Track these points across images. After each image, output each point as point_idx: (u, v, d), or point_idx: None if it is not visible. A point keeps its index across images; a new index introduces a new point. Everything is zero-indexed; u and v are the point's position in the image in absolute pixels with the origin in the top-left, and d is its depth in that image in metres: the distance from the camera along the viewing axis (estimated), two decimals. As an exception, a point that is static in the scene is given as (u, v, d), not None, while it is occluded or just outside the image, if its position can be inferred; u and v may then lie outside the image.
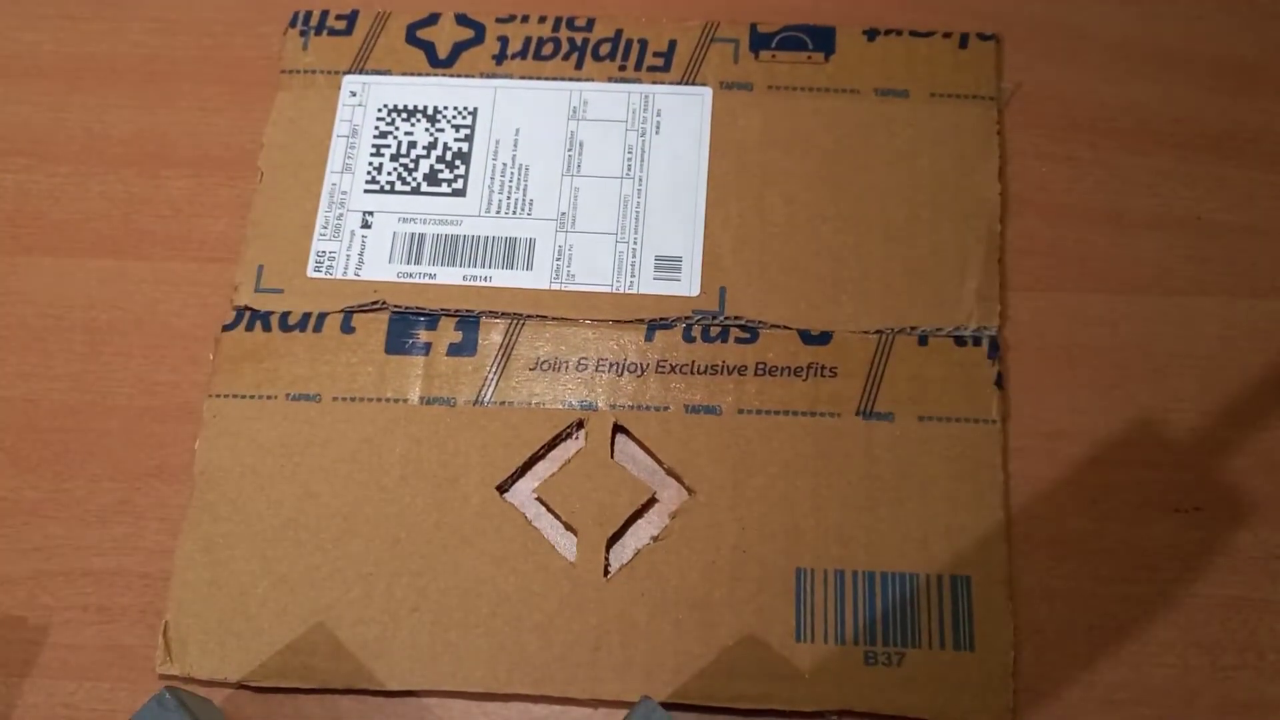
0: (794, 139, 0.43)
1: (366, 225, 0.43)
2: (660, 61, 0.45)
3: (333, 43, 0.46)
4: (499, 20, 0.46)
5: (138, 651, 0.38)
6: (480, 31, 0.45)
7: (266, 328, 0.42)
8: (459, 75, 0.45)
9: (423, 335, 0.41)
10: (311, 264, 0.42)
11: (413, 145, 0.44)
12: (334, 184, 0.44)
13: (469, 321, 0.41)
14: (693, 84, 0.45)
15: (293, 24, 0.46)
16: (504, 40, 0.45)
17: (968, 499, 0.38)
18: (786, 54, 0.45)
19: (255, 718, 0.37)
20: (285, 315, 0.42)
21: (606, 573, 0.38)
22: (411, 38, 0.45)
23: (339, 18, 0.46)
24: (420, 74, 0.45)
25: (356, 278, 0.42)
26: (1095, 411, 0.40)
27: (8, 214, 0.44)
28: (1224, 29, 0.46)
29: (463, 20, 0.46)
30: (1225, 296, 0.41)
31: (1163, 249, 0.42)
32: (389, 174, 0.44)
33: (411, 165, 0.44)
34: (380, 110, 0.45)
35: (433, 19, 0.46)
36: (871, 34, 0.45)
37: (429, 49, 0.45)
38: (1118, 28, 0.45)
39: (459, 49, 0.45)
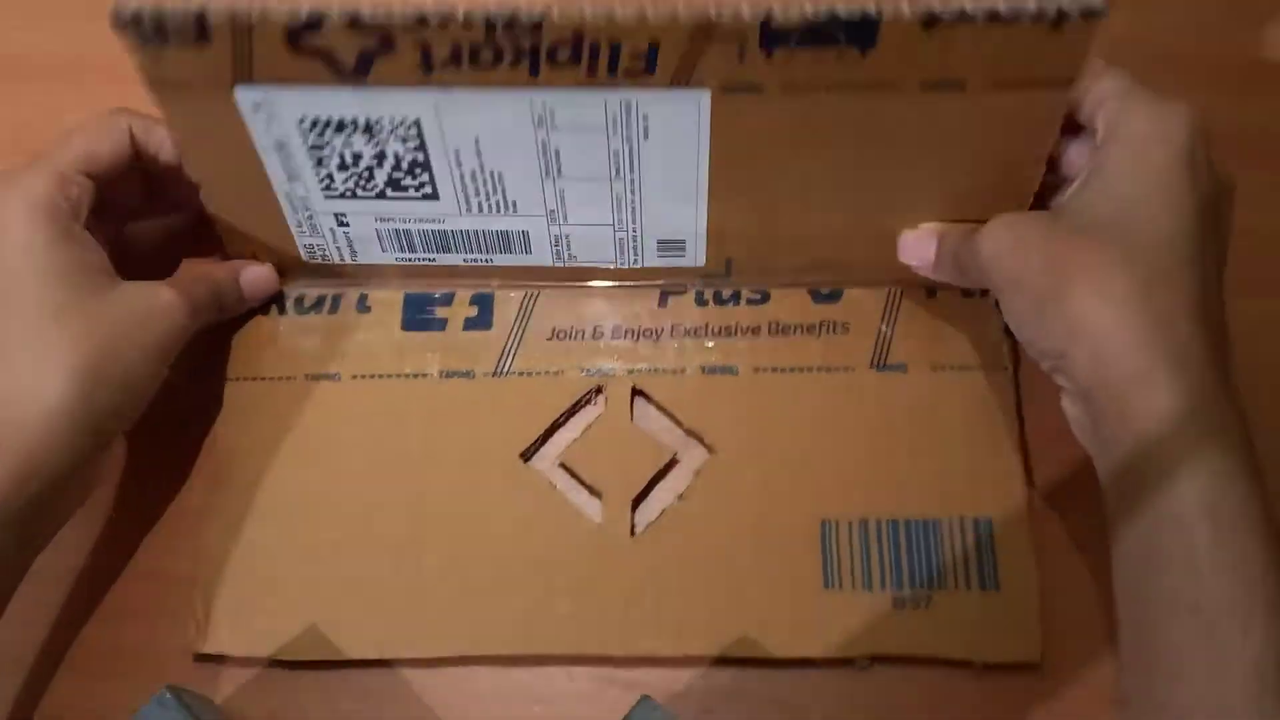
0: (815, 142, 0.36)
1: (343, 224, 0.40)
2: (640, 64, 0.33)
3: (191, 52, 0.33)
4: (405, 27, 0.32)
5: (139, 650, 0.38)
6: (387, 39, 0.32)
7: (281, 309, 0.42)
8: (380, 87, 0.34)
9: (439, 311, 0.42)
10: (304, 254, 0.41)
11: (358, 158, 0.37)
12: (287, 192, 0.38)
13: (484, 296, 0.42)
14: (685, 87, 0.34)
15: (118, 23, 0.33)
16: (424, 48, 0.32)
17: (984, 444, 0.39)
18: (808, 51, 0.32)
19: (256, 717, 0.37)
20: (300, 297, 0.42)
21: (633, 533, 0.39)
22: (296, 46, 0.32)
23: (182, 18, 0.32)
24: (328, 86, 0.34)
25: (354, 262, 0.42)
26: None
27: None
28: (1224, 29, 0.46)
29: (357, 24, 0.32)
30: (1225, 297, 0.40)
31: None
32: (344, 183, 0.38)
33: (365, 176, 0.37)
34: (301, 124, 0.35)
35: (315, 23, 0.32)
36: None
37: (327, 58, 0.33)
38: (1116, 28, 0.44)
39: (367, 58, 0.33)
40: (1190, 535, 0.30)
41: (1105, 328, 0.31)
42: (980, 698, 0.37)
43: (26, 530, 0.33)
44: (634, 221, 0.39)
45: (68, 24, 0.47)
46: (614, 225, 0.39)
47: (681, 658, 0.37)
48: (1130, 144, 0.33)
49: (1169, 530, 0.30)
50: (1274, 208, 0.42)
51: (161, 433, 0.40)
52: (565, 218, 0.39)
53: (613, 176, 0.37)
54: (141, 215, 0.41)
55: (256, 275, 0.41)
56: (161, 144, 0.38)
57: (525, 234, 0.40)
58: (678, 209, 0.39)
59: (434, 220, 0.39)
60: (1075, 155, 0.37)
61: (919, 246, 0.39)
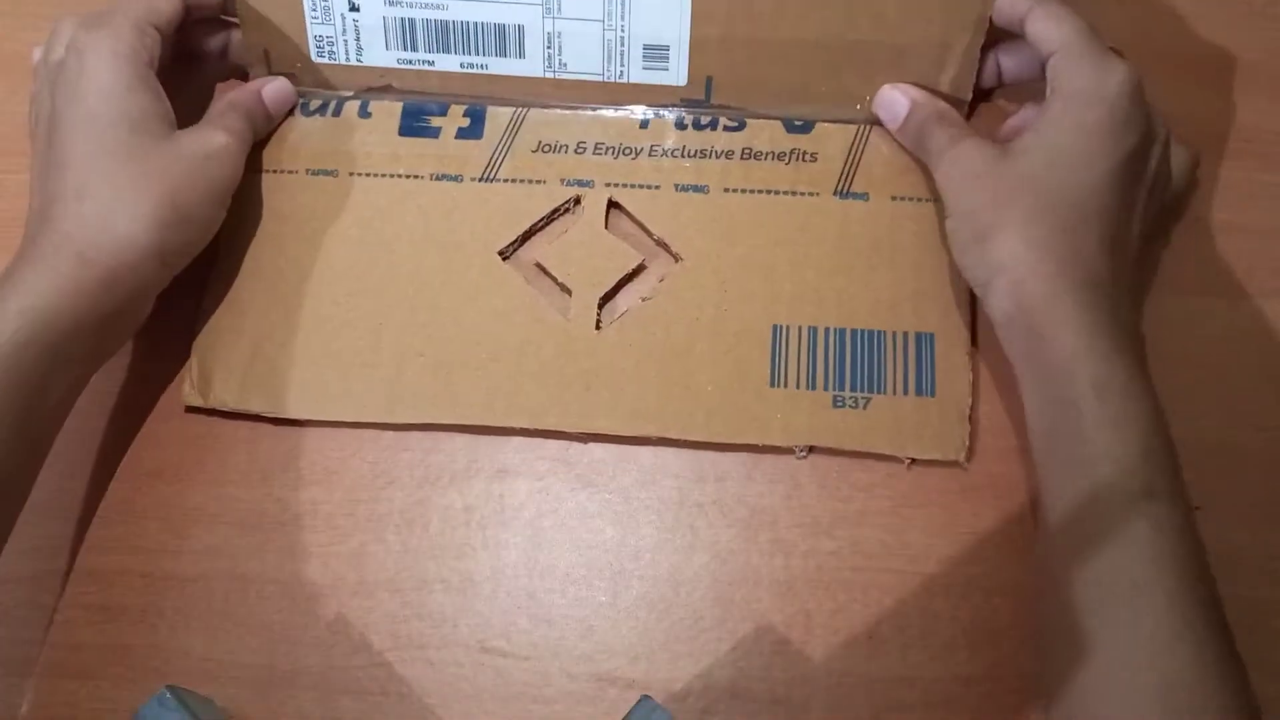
0: None
1: (354, 9, 0.43)
2: None
3: None
4: None
5: (138, 651, 0.38)
6: None
7: (289, 111, 0.45)
8: None
9: (434, 120, 0.45)
10: (313, 49, 0.44)
11: None
12: None
13: (477, 110, 0.45)
14: None
15: None
16: None
17: (934, 268, 0.41)
18: None
19: (255, 717, 0.37)
20: (307, 101, 0.45)
21: (598, 327, 0.41)
22: None
23: None
24: None
25: (359, 63, 0.44)
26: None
27: (8, 214, 0.43)
28: (1223, 29, 0.46)
29: None
30: (1225, 296, 0.42)
31: (1163, 249, 0.43)
32: None
33: None
34: None
35: None
36: None
37: None
38: (1117, 28, 0.43)
39: None
40: (1079, 407, 0.34)
41: (1024, 264, 0.36)
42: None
43: (98, 340, 0.38)
44: (623, 18, 0.42)
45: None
46: (604, 22, 0.42)
47: (632, 437, 0.40)
48: (1070, 101, 0.38)
49: (1066, 408, 0.34)
50: (1274, 208, 0.43)
51: (150, 443, 0.41)
52: (559, 8, 0.42)
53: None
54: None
55: (276, 89, 0.44)
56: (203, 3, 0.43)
57: (520, 29, 0.43)
58: (664, 5, 0.41)
59: (438, 6, 0.42)
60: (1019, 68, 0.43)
61: (893, 104, 0.43)
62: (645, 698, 0.32)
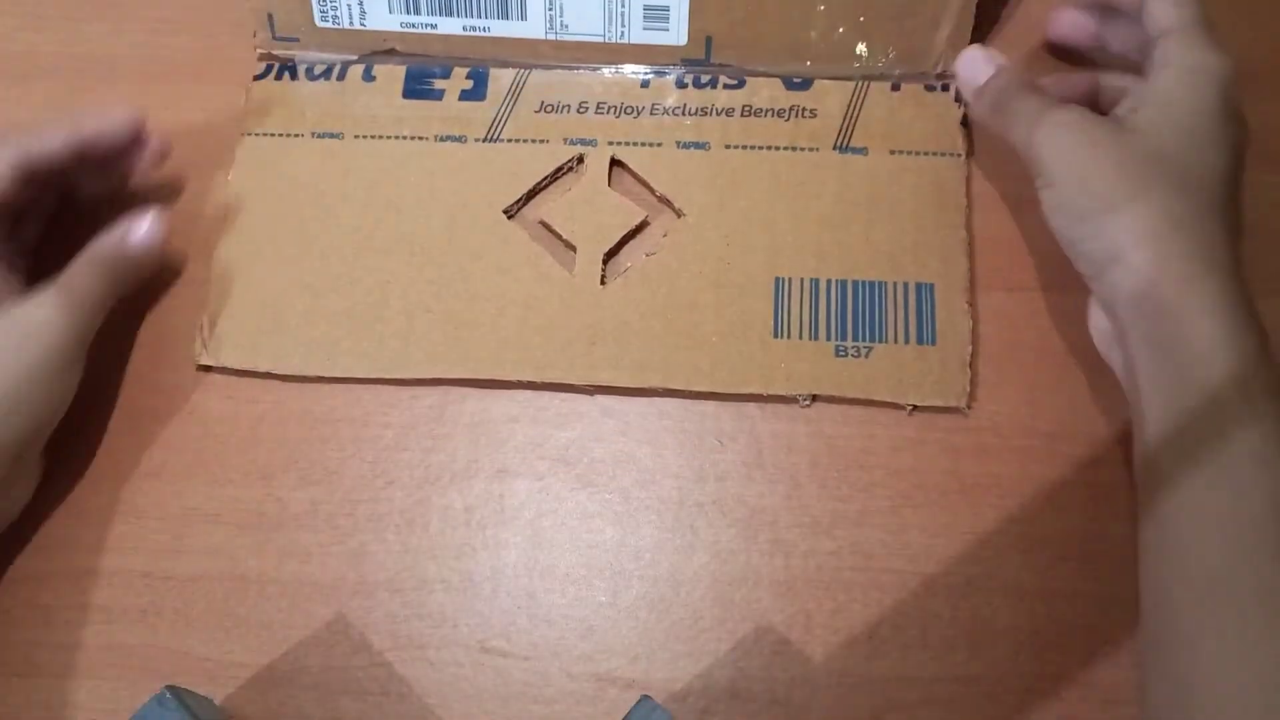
0: None
1: None
2: None
3: None
4: None
5: (138, 650, 0.38)
6: None
7: (294, 76, 0.45)
8: None
9: (437, 83, 0.45)
10: (317, 14, 0.45)
11: None
12: None
13: (479, 72, 0.45)
14: None
15: None
16: None
17: (933, 220, 0.42)
18: None
19: (255, 717, 0.37)
20: (311, 66, 0.45)
21: (603, 283, 0.42)
22: None
23: None
24: None
25: (362, 27, 0.45)
26: (1094, 412, 0.40)
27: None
28: (1224, 29, 0.45)
29: None
30: None
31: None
32: None
33: None
34: None
35: None
36: None
37: None
38: None
39: None
40: (1216, 396, 0.33)
41: (1166, 241, 0.35)
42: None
43: None
44: None
45: (69, 24, 0.48)
46: (604, -16, 0.43)
47: (637, 389, 0.40)
48: (1193, 79, 0.37)
49: (1198, 392, 0.33)
50: (1274, 208, 0.44)
51: (150, 443, 0.41)
52: (560, -30, 0.43)
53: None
54: (76, 187, 0.43)
55: (144, 237, 0.40)
56: (100, 133, 0.40)
57: None
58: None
59: None
60: (1120, 42, 0.43)
61: (974, 65, 0.41)
62: (645, 698, 0.32)
